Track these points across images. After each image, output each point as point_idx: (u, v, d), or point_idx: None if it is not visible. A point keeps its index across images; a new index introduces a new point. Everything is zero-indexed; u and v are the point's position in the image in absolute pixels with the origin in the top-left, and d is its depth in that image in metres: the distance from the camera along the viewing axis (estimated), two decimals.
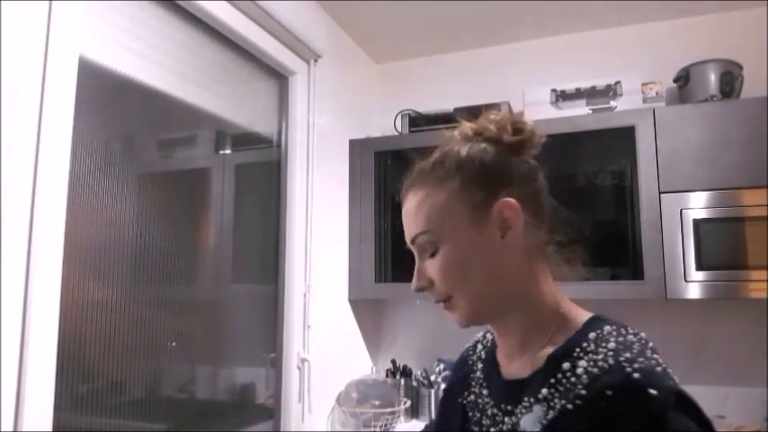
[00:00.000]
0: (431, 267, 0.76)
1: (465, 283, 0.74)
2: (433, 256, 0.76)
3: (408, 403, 2.28)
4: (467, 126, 0.80)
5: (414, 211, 0.77)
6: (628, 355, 0.63)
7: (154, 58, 1.47)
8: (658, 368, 0.62)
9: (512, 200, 0.73)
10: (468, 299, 0.75)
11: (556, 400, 0.66)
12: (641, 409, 0.58)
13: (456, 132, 0.81)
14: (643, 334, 0.70)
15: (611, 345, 0.66)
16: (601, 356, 0.65)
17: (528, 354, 0.74)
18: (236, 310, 1.80)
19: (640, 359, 0.62)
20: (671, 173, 1.97)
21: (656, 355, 0.65)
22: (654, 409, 0.57)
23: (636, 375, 0.60)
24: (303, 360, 1.97)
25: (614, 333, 0.68)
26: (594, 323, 0.72)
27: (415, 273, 0.78)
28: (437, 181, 0.76)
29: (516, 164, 0.76)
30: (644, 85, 2.12)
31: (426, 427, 2.20)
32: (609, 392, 0.60)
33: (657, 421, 0.57)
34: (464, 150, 0.77)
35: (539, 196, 0.77)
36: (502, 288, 0.75)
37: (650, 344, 0.68)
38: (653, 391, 0.58)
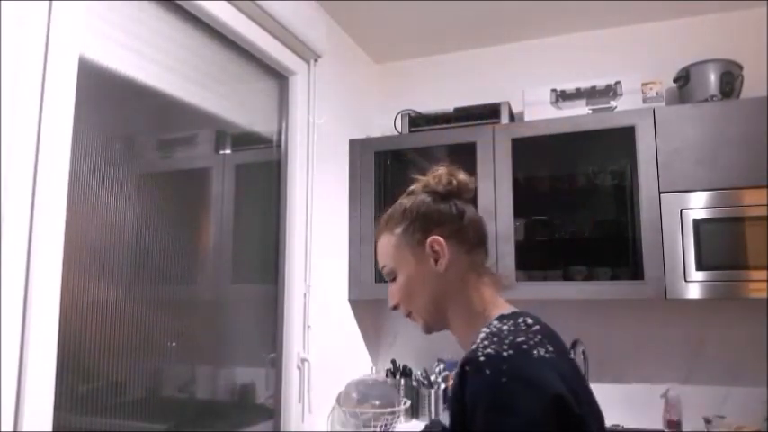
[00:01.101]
0: (394, 290, 1.02)
1: (415, 301, 1.01)
2: (394, 281, 1.03)
3: (408, 403, 2.28)
4: (420, 182, 1.05)
5: (379, 251, 1.05)
6: (486, 343, 0.84)
7: (154, 59, 1.47)
8: (506, 353, 0.80)
9: (437, 237, 0.97)
10: (419, 313, 1.01)
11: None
12: (478, 381, 0.79)
13: (413, 187, 1.05)
14: (530, 320, 0.90)
15: (482, 335, 0.87)
16: (474, 346, 0.86)
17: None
18: (236, 310, 1.80)
19: (492, 346, 0.82)
20: (671, 173, 1.97)
21: (520, 339, 0.83)
22: (485, 383, 0.78)
23: (481, 358, 0.81)
24: (303, 360, 1.97)
25: (493, 328, 0.89)
26: (493, 322, 0.92)
27: (389, 295, 1.05)
28: (390, 228, 1.03)
29: (446, 208, 1.01)
30: (644, 85, 2.12)
31: (426, 426, 2.21)
32: (467, 368, 0.81)
33: (486, 391, 0.78)
34: (408, 203, 1.03)
35: (466, 230, 1.00)
36: (442, 303, 0.99)
37: (529, 329, 0.87)
38: (487, 371, 0.78)
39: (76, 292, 1.18)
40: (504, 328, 0.88)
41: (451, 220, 1.00)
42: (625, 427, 2.17)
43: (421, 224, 1.00)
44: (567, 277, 2.16)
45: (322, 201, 2.15)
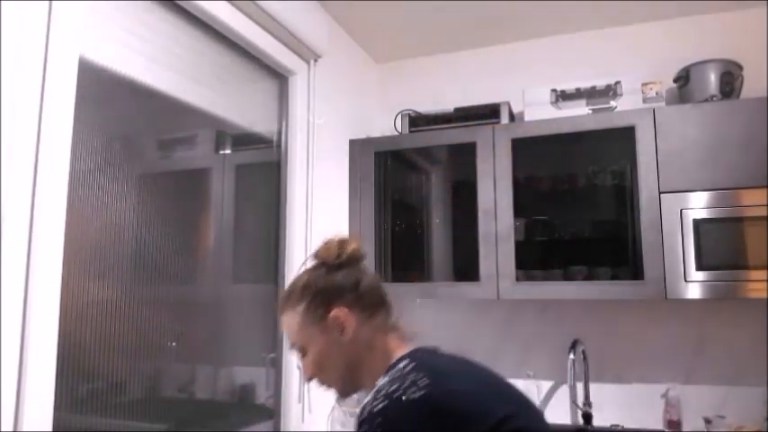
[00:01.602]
0: (307, 365, 1.07)
1: (328, 372, 1.05)
2: (305, 356, 1.06)
3: None
4: (315, 252, 1.10)
5: (285, 328, 1.09)
6: (369, 399, 0.90)
7: (154, 59, 1.47)
8: (379, 406, 0.87)
9: (339, 309, 1.03)
10: (334, 383, 1.07)
11: None
12: None
13: (309, 257, 1.11)
14: (404, 362, 0.94)
15: (371, 393, 0.92)
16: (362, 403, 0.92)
17: None
18: (236, 310, 1.80)
19: (372, 403, 0.89)
20: (671, 173, 1.97)
21: (393, 388, 0.88)
22: None
23: (362, 416, 0.88)
24: None
25: (378, 383, 0.93)
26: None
27: (302, 368, 1.09)
28: (292, 307, 1.06)
29: (341, 279, 1.05)
30: (644, 85, 2.12)
31: None
32: (360, 426, 0.89)
33: None
34: (304, 279, 1.07)
35: (364, 297, 1.05)
36: (354, 369, 1.04)
37: (402, 374, 0.91)
38: (365, 427, 0.86)
39: (76, 292, 1.18)
40: (383, 382, 0.93)
41: (350, 290, 1.05)
42: (625, 427, 2.17)
43: (321, 299, 1.04)
44: (567, 277, 2.16)
45: (322, 201, 2.15)
